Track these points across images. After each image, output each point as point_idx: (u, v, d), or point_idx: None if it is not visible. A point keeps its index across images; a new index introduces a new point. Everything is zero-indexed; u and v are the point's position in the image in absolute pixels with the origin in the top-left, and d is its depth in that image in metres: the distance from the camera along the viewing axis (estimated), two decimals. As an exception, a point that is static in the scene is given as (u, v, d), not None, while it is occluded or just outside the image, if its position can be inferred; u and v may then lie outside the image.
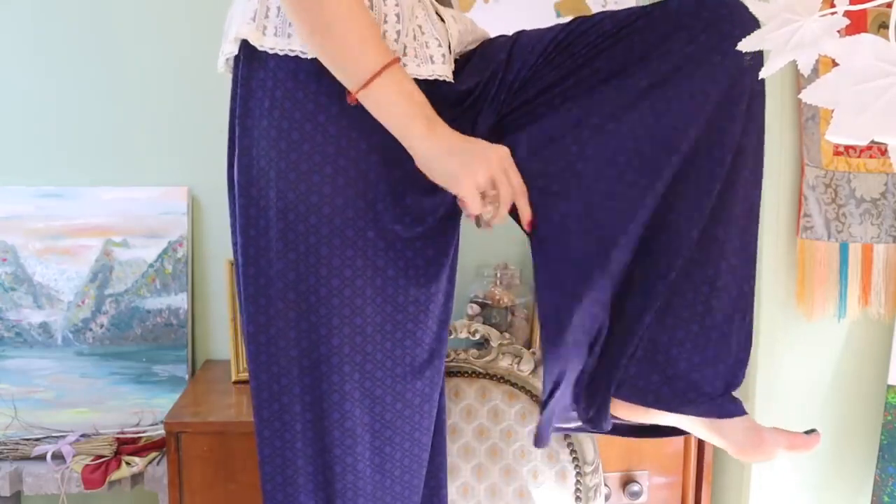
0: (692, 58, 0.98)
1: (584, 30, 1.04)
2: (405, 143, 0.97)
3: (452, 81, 1.03)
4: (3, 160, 1.85)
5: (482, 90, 1.05)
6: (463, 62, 1.09)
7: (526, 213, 1.02)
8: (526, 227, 1.04)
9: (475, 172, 0.96)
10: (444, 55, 1.02)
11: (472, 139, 1.00)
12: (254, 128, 1.00)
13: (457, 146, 0.97)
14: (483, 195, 0.98)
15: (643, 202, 1.01)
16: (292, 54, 0.98)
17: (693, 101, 0.98)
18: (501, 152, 0.99)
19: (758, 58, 0.96)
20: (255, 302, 1.02)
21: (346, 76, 0.95)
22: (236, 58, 1.02)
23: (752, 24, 0.92)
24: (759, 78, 0.95)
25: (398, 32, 0.99)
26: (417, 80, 1.00)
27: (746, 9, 0.93)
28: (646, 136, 0.99)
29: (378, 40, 0.95)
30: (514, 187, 1.00)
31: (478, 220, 1.01)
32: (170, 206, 1.87)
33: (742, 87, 0.99)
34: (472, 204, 0.97)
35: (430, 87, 1.01)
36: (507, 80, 1.05)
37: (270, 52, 0.98)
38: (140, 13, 1.87)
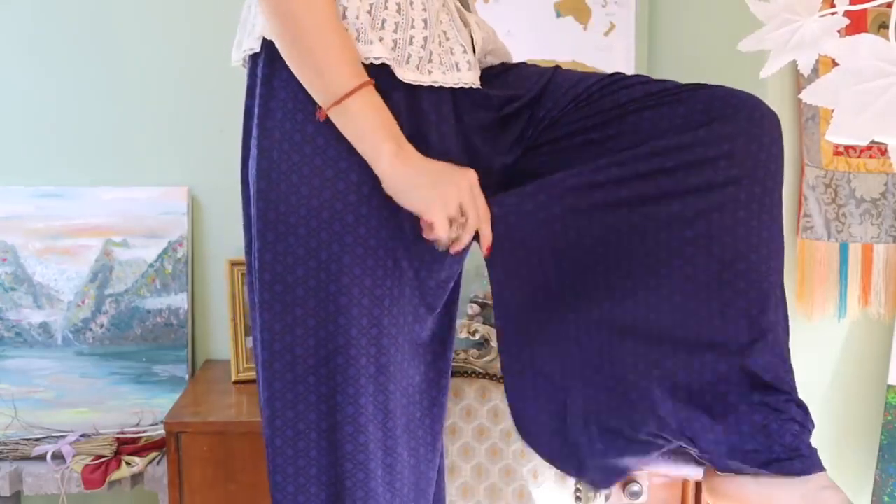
0: (730, 156, 1.00)
1: (615, 90, 1.05)
2: (373, 165, 0.95)
3: (479, 88, 1.03)
4: (3, 160, 1.85)
5: (515, 113, 1.06)
6: (494, 80, 1.09)
7: (487, 239, 1.02)
8: (485, 252, 1.04)
9: (447, 198, 0.95)
10: (469, 62, 1.02)
11: (439, 163, 0.98)
12: (275, 129, 0.97)
13: (427, 170, 0.96)
14: (451, 220, 0.97)
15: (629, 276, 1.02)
16: None
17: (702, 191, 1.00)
18: (470, 177, 0.98)
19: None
20: (271, 308, 0.99)
21: (319, 91, 0.94)
22: (256, 55, 0.99)
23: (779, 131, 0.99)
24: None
25: (425, 39, 0.98)
26: (443, 88, 1.00)
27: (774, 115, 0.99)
28: (655, 215, 1.01)
29: (353, 59, 0.94)
30: (479, 212, 0.99)
31: (438, 242, 0.99)
32: (170, 206, 1.87)
33: (760, 190, 1.03)
34: (441, 230, 0.95)
35: (454, 95, 1.01)
36: (538, 116, 1.06)
37: None
38: (140, 13, 1.87)
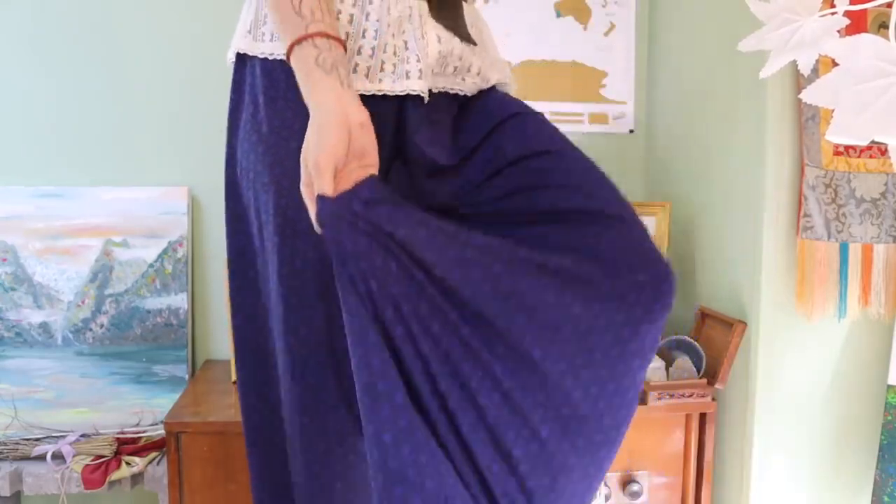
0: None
1: (534, 187, 1.01)
2: (310, 98, 0.91)
3: (425, 97, 1.03)
4: (3, 160, 1.85)
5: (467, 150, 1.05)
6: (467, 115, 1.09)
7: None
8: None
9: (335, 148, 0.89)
10: (420, 70, 1.02)
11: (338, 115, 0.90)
12: (240, 129, 1.04)
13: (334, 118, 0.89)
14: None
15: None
16: (279, 58, 1.00)
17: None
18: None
19: None
20: (235, 297, 1.08)
21: (283, 41, 0.95)
22: (234, 62, 1.07)
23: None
24: None
25: (373, 49, 1.00)
26: (387, 97, 1.00)
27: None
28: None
29: (307, 11, 0.92)
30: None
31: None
32: (170, 206, 1.87)
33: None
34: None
35: (401, 103, 1.02)
36: (465, 171, 1.05)
37: (260, 56, 1.02)
38: (140, 13, 1.87)
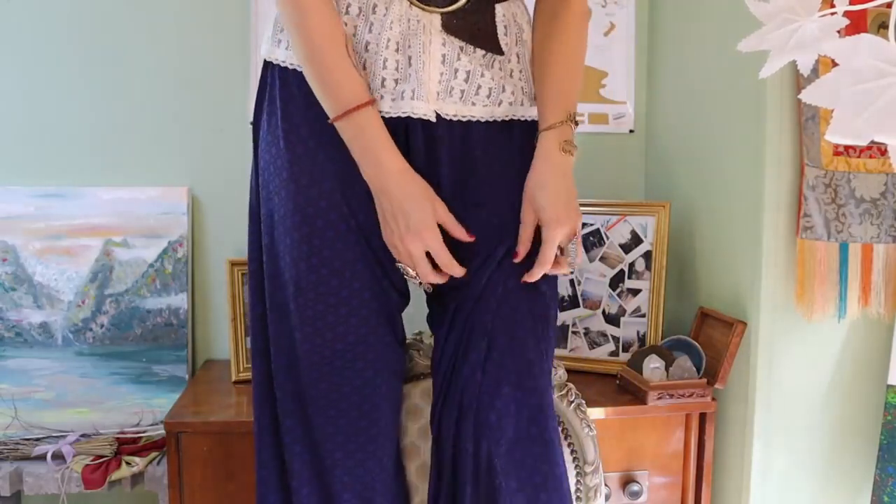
0: None
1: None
2: (373, 179, 1.02)
3: (426, 119, 1.03)
4: (3, 160, 1.85)
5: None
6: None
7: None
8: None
9: (411, 250, 1.02)
10: (413, 90, 1.01)
11: (416, 199, 1.01)
12: (262, 139, 1.11)
13: (399, 199, 1.00)
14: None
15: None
16: (291, 67, 1.06)
17: None
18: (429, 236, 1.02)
19: None
20: (251, 296, 1.16)
21: (326, 105, 1.01)
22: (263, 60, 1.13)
23: None
24: None
25: (373, 64, 1.03)
26: (388, 118, 1.02)
27: None
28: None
29: (353, 80, 0.99)
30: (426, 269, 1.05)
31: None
32: (170, 206, 1.87)
33: None
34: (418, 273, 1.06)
35: (407, 123, 1.04)
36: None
37: (275, 62, 1.08)
38: (140, 13, 1.87)
